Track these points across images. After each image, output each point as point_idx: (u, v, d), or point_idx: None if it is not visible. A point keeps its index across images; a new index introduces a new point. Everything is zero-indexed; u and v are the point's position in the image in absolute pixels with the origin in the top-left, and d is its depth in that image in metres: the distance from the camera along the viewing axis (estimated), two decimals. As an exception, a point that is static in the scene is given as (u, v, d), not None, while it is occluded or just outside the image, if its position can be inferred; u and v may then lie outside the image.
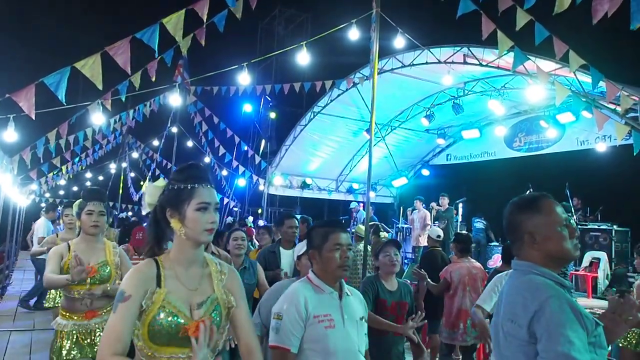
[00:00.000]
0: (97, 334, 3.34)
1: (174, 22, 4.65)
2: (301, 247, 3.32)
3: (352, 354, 2.33)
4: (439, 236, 6.23)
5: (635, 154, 6.67)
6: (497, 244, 12.08)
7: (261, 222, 13.96)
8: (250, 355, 1.89)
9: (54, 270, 3.33)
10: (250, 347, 1.89)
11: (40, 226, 9.30)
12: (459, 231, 11.30)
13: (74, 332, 3.31)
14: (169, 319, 1.69)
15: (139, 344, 1.71)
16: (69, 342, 3.28)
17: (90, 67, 4.39)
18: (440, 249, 6.27)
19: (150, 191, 1.87)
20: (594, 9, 4.59)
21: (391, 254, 3.74)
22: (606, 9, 4.54)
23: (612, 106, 7.70)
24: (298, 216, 5.65)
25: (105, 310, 3.41)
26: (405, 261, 11.80)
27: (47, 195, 23.27)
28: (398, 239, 11.04)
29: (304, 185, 16.11)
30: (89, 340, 3.32)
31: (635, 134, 6.78)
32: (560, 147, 12.31)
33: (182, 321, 1.70)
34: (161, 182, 1.90)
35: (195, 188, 1.79)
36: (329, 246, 2.40)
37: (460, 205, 13.04)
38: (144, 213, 2.02)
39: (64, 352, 3.25)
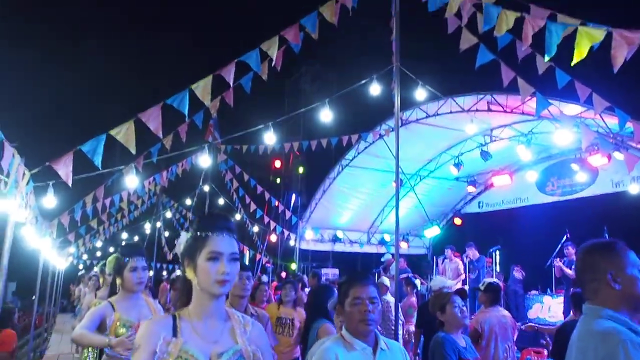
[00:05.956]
0: None
1: (201, 87, 4.89)
2: None
3: None
4: (441, 288, 6.11)
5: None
6: (537, 293, 11.61)
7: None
8: None
9: (89, 327, 3.14)
10: None
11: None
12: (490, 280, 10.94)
13: None
14: None
15: None
16: None
17: (124, 134, 4.61)
18: None
19: (181, 241, 1.80)
20: (613, 57, 4.59)
21: (460, 306, 3.51)
22: (625, 55, 4.53)
23: (642, 146, 7.55)
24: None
25: None
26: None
27: (85, 257, 23.75)
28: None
29: (335, 239, 16.03)
30: None
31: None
32: (594, 190, 12.00)
33: None
34: None
35: (209, 237, 1.69)
36: (350, 301, 2.36)
37: (497, 253, 12.68)
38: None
39: None
